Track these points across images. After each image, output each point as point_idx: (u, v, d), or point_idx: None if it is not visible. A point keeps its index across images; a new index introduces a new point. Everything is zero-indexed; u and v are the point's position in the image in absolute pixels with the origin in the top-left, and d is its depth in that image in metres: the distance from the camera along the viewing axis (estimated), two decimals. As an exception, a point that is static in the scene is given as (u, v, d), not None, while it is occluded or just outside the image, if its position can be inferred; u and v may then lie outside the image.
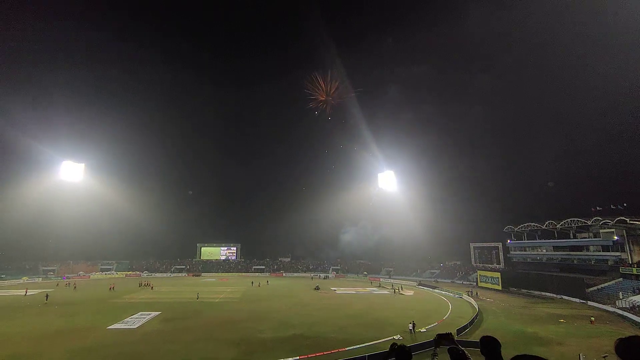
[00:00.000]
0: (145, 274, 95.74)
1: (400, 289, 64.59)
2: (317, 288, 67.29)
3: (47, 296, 49.02)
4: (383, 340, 29.46)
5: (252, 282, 73.99)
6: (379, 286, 72.59)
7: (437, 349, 3.76)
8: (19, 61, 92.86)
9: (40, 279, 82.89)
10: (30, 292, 57.33)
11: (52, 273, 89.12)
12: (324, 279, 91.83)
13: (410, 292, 63.02)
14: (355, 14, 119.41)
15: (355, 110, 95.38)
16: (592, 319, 37.63)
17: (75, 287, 64.55)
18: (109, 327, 33.96)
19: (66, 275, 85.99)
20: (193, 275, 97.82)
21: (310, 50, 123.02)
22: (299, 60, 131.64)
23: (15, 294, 57.18)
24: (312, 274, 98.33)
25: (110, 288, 60.79)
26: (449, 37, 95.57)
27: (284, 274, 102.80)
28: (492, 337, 3.05)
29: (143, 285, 67.72)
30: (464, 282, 77.34)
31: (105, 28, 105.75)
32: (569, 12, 71.26)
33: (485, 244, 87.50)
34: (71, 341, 28.78)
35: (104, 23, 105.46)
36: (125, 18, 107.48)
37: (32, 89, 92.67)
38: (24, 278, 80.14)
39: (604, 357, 22.14)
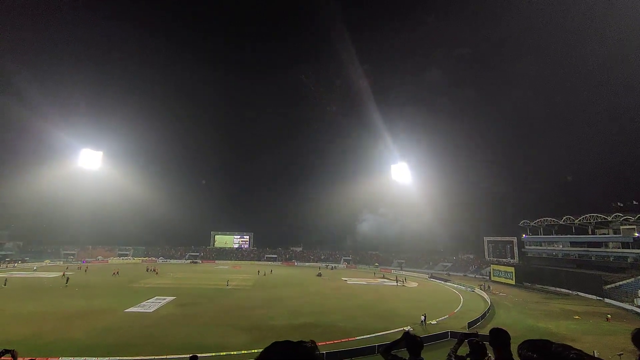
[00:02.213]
0: (160, 260, 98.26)
1: (404, 281, 65.10)
2: (319, 275, 73.81)
3: (67, 279, 50.90)
4: (393, 331, 29.56)
5: (259, 271, 74.42)
6: (383, 277, 73.02)
7: (459, 347, 3.64)
8: (41, 52, 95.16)
9: (62, 262, 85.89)
10: (51, 274, 59.86)
11: (72, 257, 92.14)
12: (331, 269, 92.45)
13: (414, 284, 63.36)
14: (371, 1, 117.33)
15: (369, 100, 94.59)
16: (609, 316, 36.83)
17: (86, 271, 66.59)
18: (126, 310, 35.04)
19: (85, 260, 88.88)
20: (191, 263, 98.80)
21: (324, 39, 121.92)
22: (313, 51, 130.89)
23: (43, 275, 59.56)
24: (323, 264, 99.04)
25: (113, 273, 62.12)
26: (468, 29, 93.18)
27: (295, 263, 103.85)
28: (502, 329, 3.00)
29: (150, 270, 69.41)
30: (476, 276, 76.65)
31: (123, 19, 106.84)
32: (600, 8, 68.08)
33: (499, 238, 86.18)
34: (91, 322, 29.87)
35: (121, 14, 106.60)
36: (144, 10, 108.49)
37: (55, 80, 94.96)
38: (47, 261, 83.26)
39: (620, 354, 21.68)
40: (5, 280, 48.57)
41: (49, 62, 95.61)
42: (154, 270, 69.78)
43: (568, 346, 1.83)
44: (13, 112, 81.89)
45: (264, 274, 71.61)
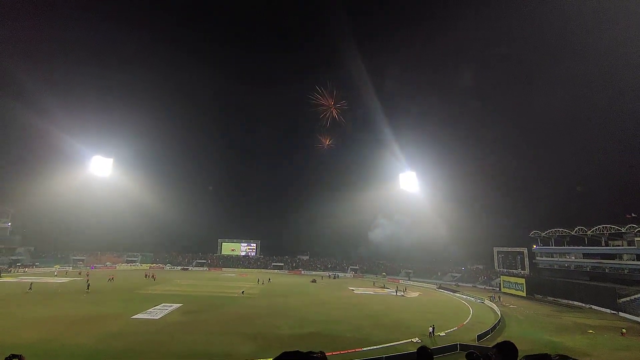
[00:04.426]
0: (167, 267, 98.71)
1: (404, 290, 64.23)
2: (313, 281, 76.30)
3: (88, 285, 50.72)
4: (401, 342, 29.11)
5: (258, 280, 72.88)
6: (383, 287, 72.05)
7: None
8: (53, 59, 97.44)
9: (71, 267, 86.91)
10: (64, 279, 60.69)
11: (81, 262, 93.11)
12: (334, 278, 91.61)
13: (414, 294, 62.45)
14: (379, 10, 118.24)
15: (377, 109, 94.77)
16: (624, 330, 35.79)
17: (87, 275, 66.27)
18: (133, 316, 35.13)
19: (94, 265, 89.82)
20: (182, 269, 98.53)
21: (332, 49, 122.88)
22: (321, 60, 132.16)
23: (62, 281, 60.25)
24: (330, 273, 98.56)
25: (109, 279, 61.67)
26: (472, 35, 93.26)
27: (302, 272, 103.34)
28: (510, 342, 2.92)
29: (149, 277, 69.56)
30: (486, 287, 75.33)
31: (135, 25, 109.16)
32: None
33: (509, 249, 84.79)
34: (98, 327, 30.00)
35: (134, 21, 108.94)
36: (156, 17, 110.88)
37: (66, 86, 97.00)
38: (56, 266, 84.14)
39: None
40: (31, 284, 49.79)
41: (61, 68, 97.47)
42: (152, 276, 70.15)
43: (565, 356, 1.88)
44: (25, 119, 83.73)
45: (263, 283, 70.18)
